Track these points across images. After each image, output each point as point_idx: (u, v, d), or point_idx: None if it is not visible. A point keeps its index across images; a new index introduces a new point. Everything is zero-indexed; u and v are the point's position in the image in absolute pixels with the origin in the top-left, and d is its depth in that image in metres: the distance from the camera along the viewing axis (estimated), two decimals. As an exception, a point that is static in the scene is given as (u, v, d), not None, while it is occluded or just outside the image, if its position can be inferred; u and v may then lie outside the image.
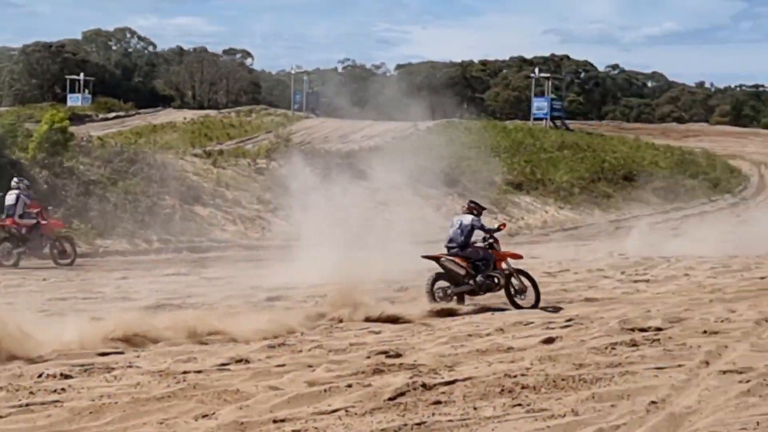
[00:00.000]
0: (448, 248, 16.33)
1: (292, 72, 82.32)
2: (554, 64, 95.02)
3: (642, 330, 13.28)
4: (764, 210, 40.13)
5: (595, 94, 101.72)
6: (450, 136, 48.38)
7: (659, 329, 13.39)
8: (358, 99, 75.14)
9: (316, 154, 32.53)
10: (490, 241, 16.42)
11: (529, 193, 37.06)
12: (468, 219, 16.41)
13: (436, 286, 15.96)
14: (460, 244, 16.23)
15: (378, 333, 13.04)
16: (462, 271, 16.02)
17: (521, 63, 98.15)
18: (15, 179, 21.04)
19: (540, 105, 61.33)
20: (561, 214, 36.06)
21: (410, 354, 11.57)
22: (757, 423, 8.79)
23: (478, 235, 16.42)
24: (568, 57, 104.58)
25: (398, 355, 11.43)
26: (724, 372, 10.77)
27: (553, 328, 13.44)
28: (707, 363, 11.21)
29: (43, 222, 20.77)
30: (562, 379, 10.21)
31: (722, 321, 14.30)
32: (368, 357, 11.32)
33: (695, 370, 10.86)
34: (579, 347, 12.02)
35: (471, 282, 16.03)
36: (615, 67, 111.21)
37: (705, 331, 13.34)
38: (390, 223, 28.02)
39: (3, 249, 20.69)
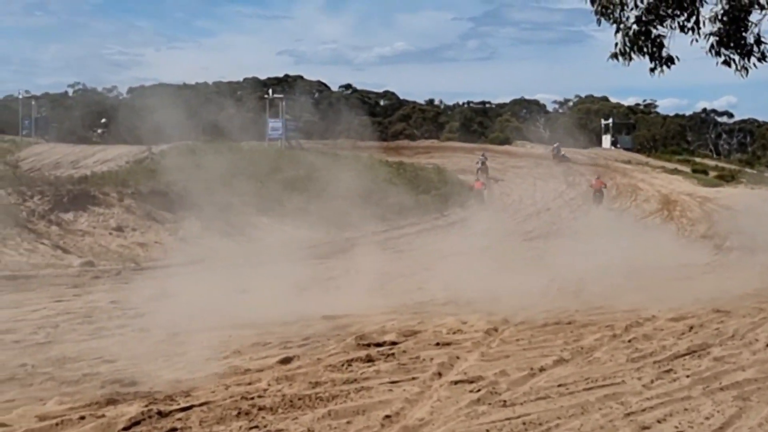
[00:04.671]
0: None
1: (20, 97, 79.89)
2: (288, 85, 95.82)
3: (377, 345, 13.50)
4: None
5: (329, 113, 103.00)
6: (186, 159, 47.94)
7: (394, 343, 13.65)
8: (90, 123, 73.51)
9: (46, 181, 31.55)
10: None
11: (266, 214, 37.07)
12: None
13: None
14: None
15: (113, 362, 12.74)
16: None
17: (255, 84, 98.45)
18: None
19: (275, 125, 61.62)
20: (298, 233, 36.25)
21: (146, 382, 11.36)
22: (487, 431, 9.10)
23: None
24: (302, 77, 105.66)
25: (133, 384, 11.21)
26: (456, 382, 11.10)
27: (290, 348, 13.48)
28: (440, 374, 11.51)
29: None
30: (299, 399, 10.27)
31: (454, 332, 14.70)
32: (102, 387, 11.06)
33: (428, 382, 11.13)
34: (316, 365, 12.11)
35: None
36: (348, 86, 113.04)
37: (438, 343, 13.68)
38: (126, 249, 27.55)
39: None
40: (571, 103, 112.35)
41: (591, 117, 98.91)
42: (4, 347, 13.69)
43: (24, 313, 17.07)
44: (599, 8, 19.05)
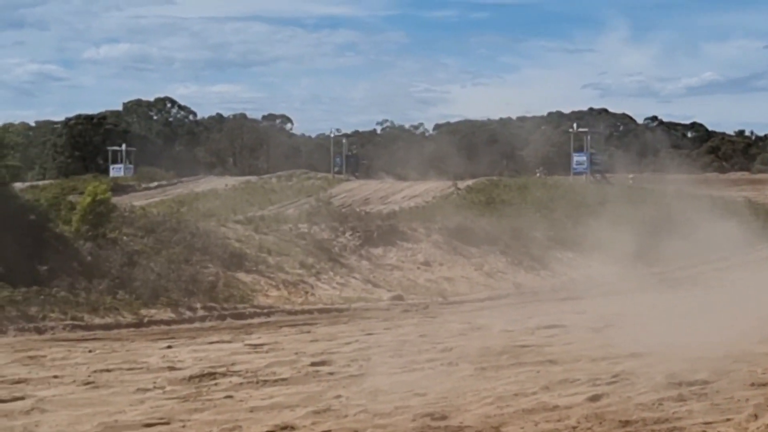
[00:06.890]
0: None
1: (332, 135, 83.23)
2: (592, 118, 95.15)
3: (689, 384, 13.15)
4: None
5: (634, 146, 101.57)
6: (490, 193, 48.48)
7: (706, 382, 13.26)
8: (398, 160, 75.49)
9: (357, 217, 32.55)
10: None
11: (571, 248, 36.83)
12: None
13: None
14: None
15: (423, 395, 12.97)
16: None
17: (559, 118, 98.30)
18: None
19: (579, 159, 61.45)
20: (604, 268, 35.80)
21: (456, 416, 11.51)
22: (809, 477, 8.70)
23: None
24: (606, 110, 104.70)
25: (444, 417, 11.36)
26: (774, 425, 10.68)
27: (599, 385, 13.31)
28: (756, 416, 11.09)
29: None
30: (609, 437, 10.16)
31: (770, 373, 14.15)
32: (413, 420, 11.27)
33: (744, 423, 10.74)
34: (625, 404, 11.92)
35: None
36: (654, 119, 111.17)
37: (753, 383, 13.18)
38: (433, 283, 28.05)
39: None
40: None
41: None
42: (320, 379, 14.22)
43: (338, 346, 17.69)
44: None
